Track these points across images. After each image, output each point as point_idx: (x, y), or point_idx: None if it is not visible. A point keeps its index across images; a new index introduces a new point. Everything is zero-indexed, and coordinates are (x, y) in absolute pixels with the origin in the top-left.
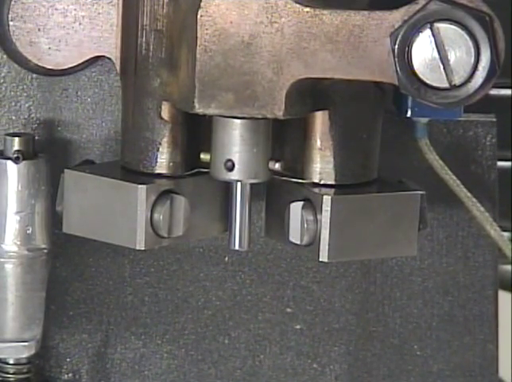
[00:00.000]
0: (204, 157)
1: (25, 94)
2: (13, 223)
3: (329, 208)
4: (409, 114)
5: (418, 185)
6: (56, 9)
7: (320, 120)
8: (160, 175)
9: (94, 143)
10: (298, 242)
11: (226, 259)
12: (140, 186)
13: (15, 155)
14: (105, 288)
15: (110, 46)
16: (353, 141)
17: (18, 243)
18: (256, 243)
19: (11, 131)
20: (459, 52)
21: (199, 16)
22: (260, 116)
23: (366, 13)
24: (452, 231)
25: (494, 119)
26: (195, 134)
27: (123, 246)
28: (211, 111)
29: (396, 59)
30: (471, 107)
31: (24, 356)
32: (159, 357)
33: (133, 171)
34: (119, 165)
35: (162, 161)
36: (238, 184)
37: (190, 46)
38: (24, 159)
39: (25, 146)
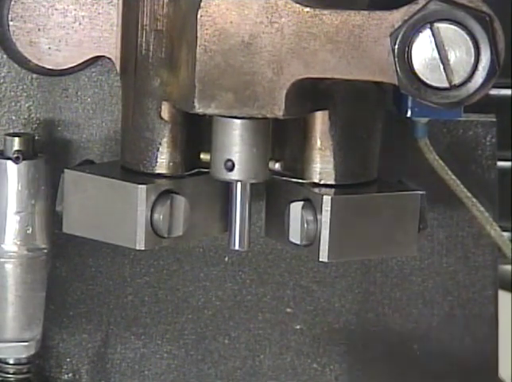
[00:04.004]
0: (204, 157)
1: (25, 94)
2: (13, 223)
3: (329, 208)
4: (409, 114)
5: (418, 185)
6: (56, 9)
7: (320, 120)
8: (160, 175)
9: (94, 143)
10: (298, 242)
11: (226, 259)
12: (140, 186)
13: (15, 155)
14: (105, 288)
15: (110, 46)
16: (353, 141)
17: (18, 243)
18: (256, 243)
19: (11, 131)
20: (459, 52)
21: (199, 16)
22: (260, 116)
23: (366, 13)
24: (452, 231)
25: (494, 119)
26: (195, 134)
27: (123, 246)
28: (210, 111)
29: (396, 59)
30: (471, 107)
31: (24, 356)
32: (159, 357)
33: (133, 171)
34: (119, 165)
35: (162, 161)
36: (238, 184)
37: (190, 46)
38: (24, 159)
39: (25, 146)
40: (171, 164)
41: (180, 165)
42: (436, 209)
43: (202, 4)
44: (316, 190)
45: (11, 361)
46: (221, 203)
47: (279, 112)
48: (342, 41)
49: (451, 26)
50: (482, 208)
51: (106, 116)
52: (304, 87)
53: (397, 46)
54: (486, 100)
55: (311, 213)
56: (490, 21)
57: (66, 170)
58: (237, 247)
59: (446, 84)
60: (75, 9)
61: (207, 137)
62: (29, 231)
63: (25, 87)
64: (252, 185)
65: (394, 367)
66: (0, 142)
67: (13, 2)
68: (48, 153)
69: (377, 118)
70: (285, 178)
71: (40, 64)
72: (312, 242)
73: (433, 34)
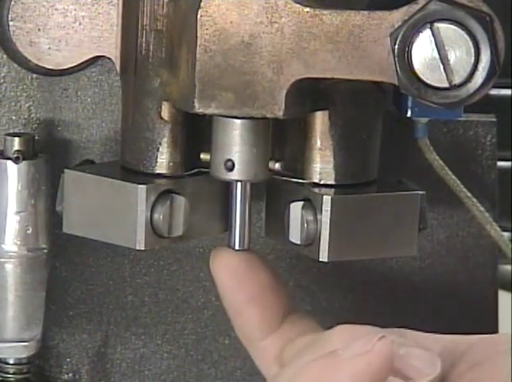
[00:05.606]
0: (204, 157)
1: (25, 94)
2: (13, 223)
3: (329, 208)
4: (409, 114)
5: (418, 185)
6: (56, 9)
7: (320, 120)
8: (160, 175)
9: (94, 143)
10: (298, 242)
11: None
12: (140, 186)
13: (15, 155)
14: (105, 288)
15: (110, 46)
16: (353, 141)
17: (18, 243)
18: (256, 243)
19: (11, 131)
20: (459, 52)
21: (199, 16)
22: (260, 116)
23: (366, 13)
24: (452, 231)
25: (494, 119)
26: (195, 134)
27: (123, 246)
28: (210, 111)
29: (396, 59)
30: (471, 107)
31: (24, 356)
32: (159, 357)
33: (133, 171)
34: (119, 165)
35: (162, 161)
36: (238, 184)
37: (190, 46)
38: (24, 159)
39: (25, 146)
40: (171, 164)
41: (180, 165)
42: (436, 209)
43: (202, 4)
44: (316, 190)
45: (11, 361)
46: (221, 203)
47: (279, 112)
48: (342, 41)
49: (451, 26)
50: (482, 208)
51: (106, 116)
52: (304, 87)
53: (397, 46)
54: (486, 100)
55: (311, 213)
56: (490, 21)
57: (66, 170)
58: (237, 247)
59: (446, 84)
60: (75, 9)
61: (207, 137)
62: (29, 231)
63: (25, 87)
64: (252, 185)
65: None
66: (0, 142)
67: (13, 2)
68: (48, 153)
69: (377, 118)
70: (285, 178)
71: (40, 64)
72: (312, 242)
73: (433, 34)
